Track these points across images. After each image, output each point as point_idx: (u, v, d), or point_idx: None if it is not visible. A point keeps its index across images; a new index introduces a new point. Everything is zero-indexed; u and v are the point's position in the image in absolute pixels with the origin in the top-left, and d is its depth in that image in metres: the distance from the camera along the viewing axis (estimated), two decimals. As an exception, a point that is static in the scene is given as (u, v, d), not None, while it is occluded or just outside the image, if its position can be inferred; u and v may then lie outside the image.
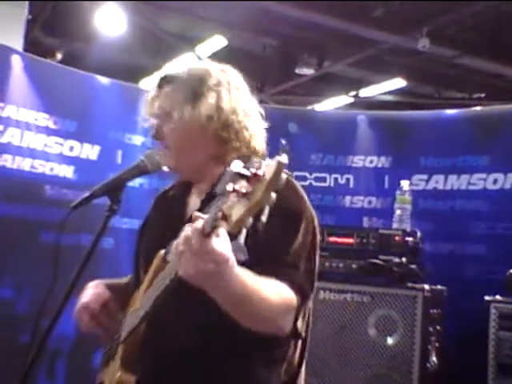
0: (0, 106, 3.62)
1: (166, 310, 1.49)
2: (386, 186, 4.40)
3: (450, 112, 4.62)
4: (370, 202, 4.48)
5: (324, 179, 4.54)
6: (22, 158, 3.72)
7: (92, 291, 1.79)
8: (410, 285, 3.41)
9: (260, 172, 1.16)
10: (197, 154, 1.71)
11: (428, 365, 3.36)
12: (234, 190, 1.17)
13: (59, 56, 7.76)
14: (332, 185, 4.55)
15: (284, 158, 1.16)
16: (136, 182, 4.06)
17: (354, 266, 3.54)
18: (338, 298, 3.48)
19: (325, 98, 9.14)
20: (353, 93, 9.01)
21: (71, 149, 3.92)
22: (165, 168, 1.76)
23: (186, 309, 1.54)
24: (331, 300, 3.47)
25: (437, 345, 3.45)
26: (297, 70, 8.22)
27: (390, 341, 3.36)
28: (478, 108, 5.01)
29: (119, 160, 4.09)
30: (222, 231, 1.23)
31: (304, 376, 1.71)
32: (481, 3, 5.54)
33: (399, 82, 8.33)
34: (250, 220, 1.18)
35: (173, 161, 1.72)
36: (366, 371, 3.38)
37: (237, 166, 1.21)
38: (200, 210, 1.60)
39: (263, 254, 1.45)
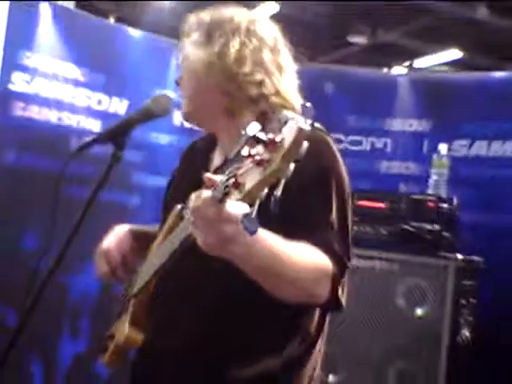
0: (27, 56, 3.54)
1: (184, 269, 1.40)
2: (425, 151, 4.18)
3: (498, 75, 4.36)
4: (407, 168, 4.27)
5: (360, 143, 4.34)
6: (49, 109, 3.65)
7: (115, 238, 1.76)
8: (441, 254, 3.23)
9: (278, 138, 0.98)
10: (206, 103, 1.63)
11: (459, 339, 3.21)
12: (250, 156, 1.02)
13: (112, 20, 7.68)
14: (368, 149, 4.35)
15: (305, 124, 0.97)
16: (164, 140, 3.98)
17: (383, 231, 3.38)
18: (365, 265, 3.31)
19: (378, 69, 8.85)
20: (406, 63, 8.69)
21: (99, 102, 3.84)
22: (181, 114, 1.70)
23: (207, 271, 1.42)
24: (358, 267, 3.26)
25: (470, 318, 3.28)
26: (349, 39, 7.92)
27: (418, 312, 3.21)
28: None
29: (148, 116, 3.98)
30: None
31: (322, 347, 1.59)
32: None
33: (455, 53, 8.01)
34: (265, 192, 1.02)
35: (186, 107, 1.67)
36: (391, 342, 3.23)
37: (253, 128, 1.03)
38: (219, 168, 1.55)
39: (292, 222, 1.34)
